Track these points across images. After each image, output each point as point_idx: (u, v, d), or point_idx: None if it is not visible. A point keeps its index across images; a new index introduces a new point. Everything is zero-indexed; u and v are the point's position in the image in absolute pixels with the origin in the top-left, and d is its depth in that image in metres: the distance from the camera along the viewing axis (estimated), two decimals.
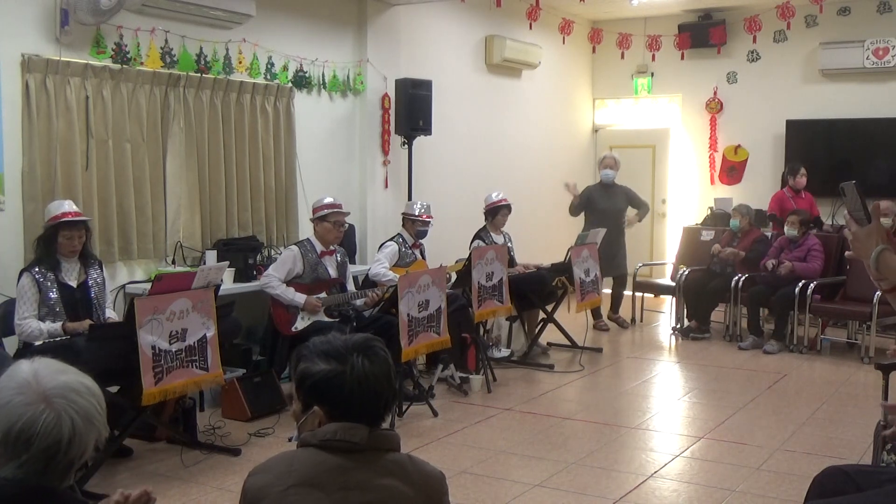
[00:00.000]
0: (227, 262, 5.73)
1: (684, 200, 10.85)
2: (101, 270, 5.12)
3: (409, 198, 7.88)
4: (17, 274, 4.90)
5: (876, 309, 7.10)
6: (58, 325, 4.75)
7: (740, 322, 8.26)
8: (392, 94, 8.00)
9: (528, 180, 9.94)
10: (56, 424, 1.63)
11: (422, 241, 7.00)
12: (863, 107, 9.69)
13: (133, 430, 4.86)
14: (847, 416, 5.82)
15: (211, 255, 6.20)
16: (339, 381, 1.93)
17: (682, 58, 10.34)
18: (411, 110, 7.82)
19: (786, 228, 8.01)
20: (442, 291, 6.00)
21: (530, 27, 9.40)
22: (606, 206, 8.80)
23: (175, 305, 4.66)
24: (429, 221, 6.92)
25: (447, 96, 8.69)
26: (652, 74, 10.99)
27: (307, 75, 7.37)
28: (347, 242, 7.08)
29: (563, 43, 10.21)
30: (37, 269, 4.79)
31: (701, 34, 10.32)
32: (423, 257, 7.03)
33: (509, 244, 7.53)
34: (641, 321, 9.18)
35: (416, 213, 6.89)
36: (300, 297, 5.91)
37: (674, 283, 8.72)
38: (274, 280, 5.92)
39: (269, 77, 7.02)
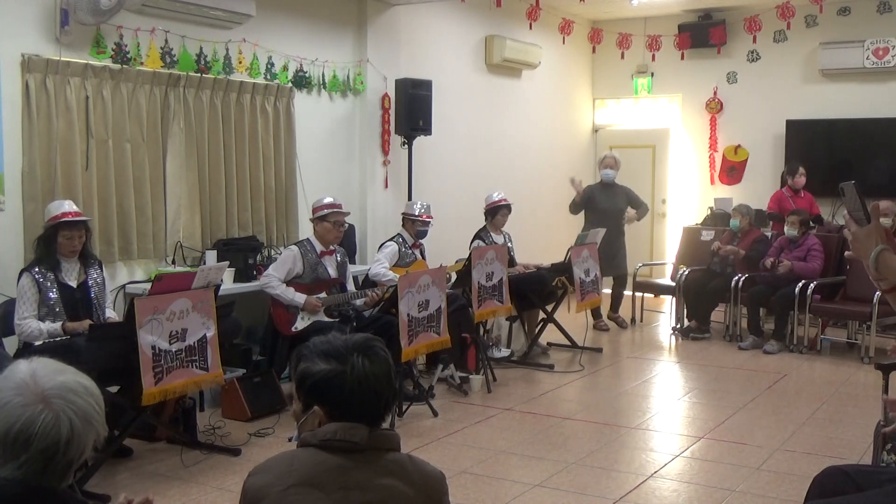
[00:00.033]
0: (227, 262, 5.73)
1: (684, 200, 10.85)
2: (101, 270, 5.12)
3: (409, 198, 7.88)
4: (17, 274, 4.90)
5: (876, 309, 7.10)
6: (58, 325, 4.75)
7: (740, 322, 8.26)
8: (392, 94, 8.00)
9: (528, 180, 9.94)
10: (54, 425, 1.63)
11: (422, 241, 7.00)
12: (863, 107, 9.69)
13: (133, 430, 4.86)
14: (847, 416, 5.82)
15: (211, 255, 6.20)
16: (339, 381, 1.93)
17: (682, 58, 10.34)
18: (411, 110, 7.82)
19: (786, 228, 8.02)
20: (442, 291, 6.00)
21: (530, 27, 9.40)
22: (607, 206, 8.80)
23: (175, 305, 4.66)
24: (429, 221, 6.92)
25: (447, 96, 8.70)
26: (652, 74, 10.99)
27: (307, 75, 7.37)
28: (347, 242, 7.08)
29: (563, 43, 10.21)
30: (37, 269, 4.79)
31: (701, 34, 10.32)
32: (423, 257, 7.03)
33: (509, 244, 7.53)
34: (641, 321, 9.18)
35: (416, 213, 6.89)
36: (300, 297, 5.91)
37: (674, 283, 8.72)
38: (274, 280, 5.92)
39: (269, 77, 7.03)
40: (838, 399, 6.26)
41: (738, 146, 10.52)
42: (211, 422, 5.45)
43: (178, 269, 6.17)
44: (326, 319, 6.00)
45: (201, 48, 6.46)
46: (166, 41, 6.21)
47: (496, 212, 7.49)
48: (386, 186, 8.16)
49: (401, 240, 6.86)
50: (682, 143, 10.91)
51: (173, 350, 4.63)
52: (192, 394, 5.16)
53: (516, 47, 9.55)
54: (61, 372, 1.70)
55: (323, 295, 6.04)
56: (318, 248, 6.12)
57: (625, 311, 9.10)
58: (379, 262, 6.67)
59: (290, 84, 7.21)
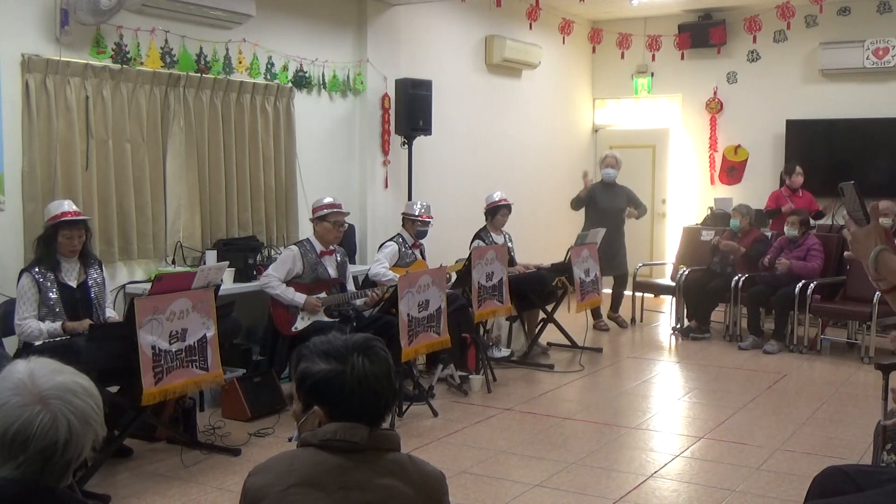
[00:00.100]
0: (227, 262, 5.73)
1: (684, 200, 10.85)
2: (101, 270, 5.12)
3: (409, 198, 7.88)
4: (17, 274, 4.90)
5: (876, 309, 7.10)
6: (57, 324, 4.75)
7: (740, 322, 8.26)
8: (392, 94, 8.00)
9: (528, 180, 9.94)
10: (52, 426, 1.62)
11: (422, 241, 7.00)
12: (863, 107, 9.69)
13: (133, 430, 4.86)
14: (847, 416, 5.82)
15: (211, 255, 6.20)
16: (339, 380, 1.93)
17: (682, 58, 10.34)
18: (411, 110, 7.82)
19: (786, 228, 8.02)
20: (442, 291, 6.00)
21: (530, 27, 9.40)
22: (607, 206, 8.80)
23: (175, 305, 4.66)
24: (429, 221, 6.92)
25: (447, 96, 8.70)
26: (652, 74, 11.00)
27: (307, 75, 7.37)
28: (347, 242, 7.08)
29: (563, 43, 10.21)
30: (37, 270, 4.79)
31: (701, 34, 10.32)
32: (423, 257, 7.03)
33: (509, 244, 7.53)
34: (641, 321, 9.18)
35: (416, 213, 6.89)
36: (300, 297, 5.91)
37: (674, 283, 8.72)
38: (274, 280, 5.92)
39: (269, 77, 7.03)
40: (838, 399, 6.26)
41: (738, 146, 10.52)
42: (211, 422, 5.45)
43: (178, 269, 6.17)
44: (326, 319, 6.00)
45: (201, 48, 6.46)
46: (166, 41, 6.21)
47: (496, 212, 7.49)
48: (386, 186, 8.16)
49: (401, 240, 6.86)
50: (682, 143, 10.91)
51: (173, 350, 4.63)
52: (192, 394, 5.16)
53: (516, 47, 9.55)
54: (59, 372, 1.70)
55: (323, 295, 6.04)
56: (318, 248, 6.12)
57: (625, 311, 9.10)
58: (379, 262, 6.67)
59: (290, 84, 7.21)
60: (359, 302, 6.22)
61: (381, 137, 8.10)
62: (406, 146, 8.05)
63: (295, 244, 6.22)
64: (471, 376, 6.50)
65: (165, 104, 6.24)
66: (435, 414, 5.80)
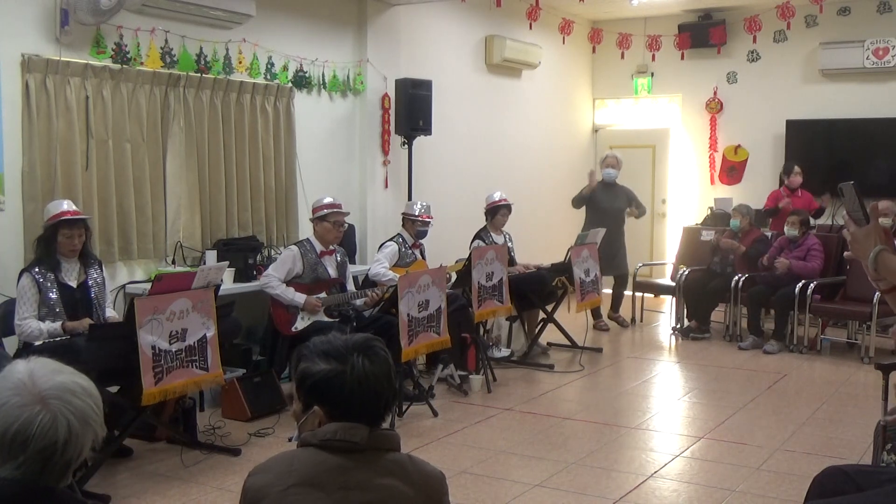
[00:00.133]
0: (227, 262, 5.73)
1: (684, 200, 10.85)
2: (101, 270, 5.12)
3: (409, 198, 7.89)
4: (17, 274, 4.90)
5: (876, 309, 7.10)
6: (57, 324, 4.75)
7: (740, 322, 8.26)
8: (392, 94, 8.00)
9: (528, 180, 9.94)
10: (52, 426, 1.62)
11: (422, 241, 7.00)
12: (863, 107, 9.69)
13: (133, 430, 4.86)
14: (847, 416, 5.82)
15: (211, 255, 6.20)
16: (339, 380, 1.93)
17: (682, 58, 10.34)
18: (411, 110, 7.82)
19: (786, 228, 8.02)
20: (442, 291, 6.00)
21: (530, 27, 9.40)
22: (608, 206, 8.80)
23: (175, 305, 4.66)
24: (429, 221, 6.92)
25: (447, 96, 8.70)
26: (652, 74, 11.00)
27: (307, 75, 7.37)
28: (347, 242, 7.08)
29: (563, 43, 10.21)
30: (37, 270, 4.79)
31: (701, 34, 10.32)
32: (423, 257, 7.03)
33: (509, 244, 7.53)
34: (641, 321, 9.18)
35: (416, 214, 6.89)
36: (300, 297, 5.91)
37: (674, 283, 8.72)
38: (274, 280, 5.92)
39: (269, 77, 7.03)
40: (838, 399, 6.26)
41: (738, 146, 10.52)
42: (211, 422, 5.45)
43: (178, 269, 6.17)
44: (326, 319, 6.01)
45: (201, 48, 6.46)
46: (166, 41, 6.21)
47: (496, 212, 7.49)
48: (386, 186, 8.16)
49: (401, 240, 6.86)
50: (682, 143, 10.91)
51: (173, 350, 4.63)
52: (192, 394, 5.16)
53: (516, 47, 9.55)
54: (59, 372, 1.70)
55: (323, 295, 6.04)
56: (318, 248, 6.12)
57: (625, 311, 9.10)
58: (379, 262, 6.67)
59: (290, 84, 7.21)
60: (359, 302, 6.22)
61: (381, 137, 8.10)
62: (406, 146, 8.05)
63: (295, 244, 6.22)
64: (471, 376, 6.50)
65: (165, 104, 6.24)
66: (435, 414, 5.80)
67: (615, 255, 8.78)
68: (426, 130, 7.97)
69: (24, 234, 5.42)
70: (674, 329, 8.62)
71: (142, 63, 6.06)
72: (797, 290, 7.58)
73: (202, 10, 6.24)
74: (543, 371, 7.10)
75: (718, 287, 8.22)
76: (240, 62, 6.77)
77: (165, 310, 4.60)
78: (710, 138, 10.67)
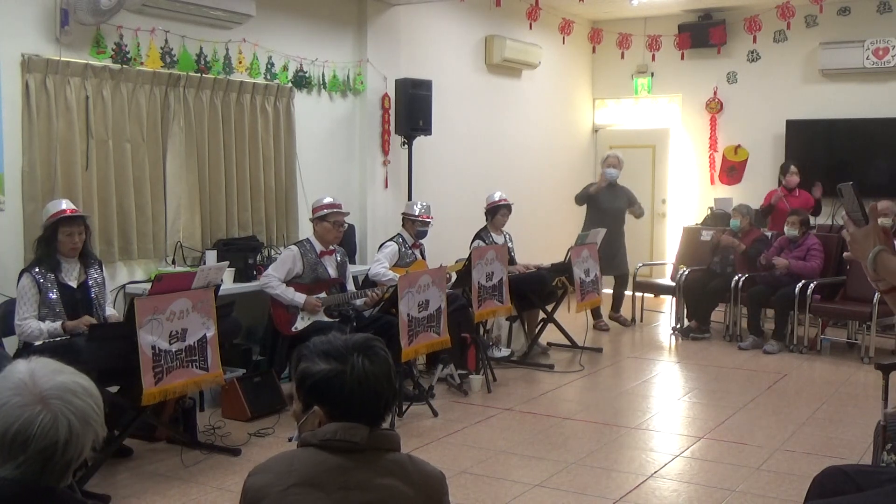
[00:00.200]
0: (227, 262, 5.73)
1: (684, 200, 10.85)
2: (101, 270, 5.12)
3: (409, 198, 7.89)
4: (16, 274, 4.90)
5: (876, 309, 7.10)
6: (58, 324, 4.75)
7: (740, 322, 8.26)
8: (392, 94, 8.00)
9: (528, 180, 9.94)
10: (53, 426, 1.62)
11: (422, 241, 7.00)
12: (863, 107, 9.69)
13: (133, 430, 4.86)
14: (847, 416, 5.82)
15: (211, 255, 6.20)
16: (339, 380, 1.93)
17: (682, 58, 10.34)
18: (411, 110, 7.82)
19: (786, 228, 8.02)
20: (442, 291, 6.00)
21: (530, 27, 9.40)
22: (608, 205, 8.81)
23: (175, 305, 4.66)
24: (429, 222, 6.92)
25: (447, 96, 8.70)
26: (652, 74, 11.00)
27: (307, 75, 7.37)
28: (347, 242, 7.08)
29: (563, 43, 10.21)
30: (37, 270, 4.79)
31: (701, 34, 10.32)
32: (423, 257, 7.03)
33: (510, 244, 7.53)
34: (641, 321, 9.18)
35: (416, 214, 6.89)
36: (300, 297, 5.91)
37: (674, 283, 8.72)
38: (273, 280, 5.92)
39: (269, 77, 7.03)
40: (838, 399, 6.26)
41: (738, 146, 10.52)
42: (211, 422, 5.45)
43: (178, 269, 6.17)
44: (326, 319, 6.01)
45: (201, 48, 6.46)
46: (166, 41, 6.21)
47: (496, 212, 7.49)
48: (386, 186, 8.16)
49: (401, 240, 6.86)
50: (682, 143, 10.91)
51: (173, 350, 4.63)
52: (192, 394, 5.16)
53: (516, 47, 9.55)
54: (60, 372, 1.70)
55: (323, 295, 6.04)
56: (318, 248, 6.12)
57: (625, 312, 9.10)
58: (379, 262, 6.67)
59: (290, 84, 7.21)
60: (359, 302, 6.22)
61: (381, 137, 8.10)
62: (406, 146, 8.05)
63: (295, 244, 6.22)
64: (471, 376, 6.50)
65: (165, 104, 6.24)
66: (435, 414, 5.80)
67: (615, 255, 8.78)
68: (426, 130, 7.97)
69: (24, 234, 5.42)
70: (674, 329, 8.62)
71: (142, 63, 6.07)
72: (797, 290, 7.58)
73: (202, 10, 6.24)
74: (543, 371, 7.10)
75: (718, 287, 8.23)
76: (240, 62, 6.77)
77: (165, 310, 4.60)
78: (710, 138, 10.67)
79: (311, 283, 6.02)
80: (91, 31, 5.75)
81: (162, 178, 6.26)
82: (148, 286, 5.10)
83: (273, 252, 6.83)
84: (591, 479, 4.64)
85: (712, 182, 10.69)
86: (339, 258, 6.25)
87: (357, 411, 1.94)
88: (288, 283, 5.95)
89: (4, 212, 5.38)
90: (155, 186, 6.21)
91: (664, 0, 9.87)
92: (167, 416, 5.15)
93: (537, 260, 7.87)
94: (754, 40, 9.88)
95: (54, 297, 4.79)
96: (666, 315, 9.39)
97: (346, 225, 6.45)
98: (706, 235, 9.01)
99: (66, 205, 4.94)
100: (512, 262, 7.35)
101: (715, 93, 10.59)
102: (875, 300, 7.03)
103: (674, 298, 8.76)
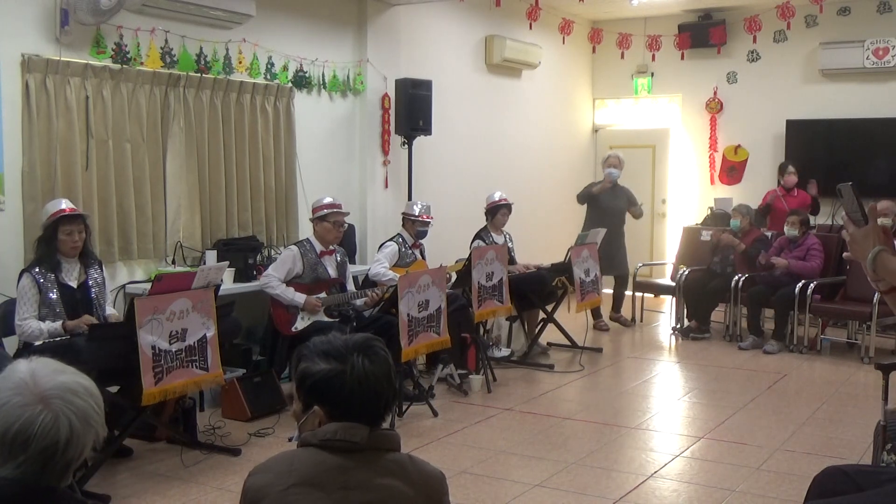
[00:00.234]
0: (227, 262, 5.73)
1: (684, 200, 10.86)
2: (101, 270, 5.12)
3: (409, 198, 7.89)
4: (16, 274, 4.90)
5: (876, 309, 7.10)
6: (58, 324, 4.75)
7: (740, 322, 8.26)
8: (392, 94, 8.00)
9: (528, 180, 9.94)
10: (53, 425, 1.62)
11: (422, 241, 7.00)
12: (863, 107, 9.69)
13: (133, 430, 4.86)
14: (847, 416, 5.82)
15: (211, 255, 6.20)
16: (339, 380, 1.93)
17: (682, 58, 10.34)
18: (411, 110, 7.82)
19: (786, 228, 8.02)
20: (442, 291, 6.01)
21: (530, 27, 9.40)
22: (609, 205, 8.80)
23: (175, 305, 4.66)
24: (429, 222, 6.92)
25: (447, 96, 8.70)
26: (652, 74, 11.00)
27: (307, 75, 7.37)
28: (347, 242, 7.09)
29: (563, 43, 10.21)
30: (37, 270, 4.79)
31: (701, 34, 10.32)
32: (423, 257, 7.03)
33: (510, 244, 7.53)
34: (641, 321, 9.18)
35: (416, 214, 6.89)
36: (300, 297, 5.91)
37: (674, 283, 8.72)
38: (273, 280, 5.92)
39: (269, 77, 7.03)
40: (838, 399, 6.26)
41: (738, 146, 10.52)
42: (211, 422, 5.45)
43: (178, 269, 6.17)
44: (326, 319, 6.01)
45: (201, 48, 6.46)
46: (166, 41, 6.21)
47: (496, 211, 7.49)
48: (386, 186, 8.16)
49: (401, 240, 6.86)
50: (682, 143, 10.91)
51: (173, 350, 4.63)
52: (192, 394, 5.16)
53: (516, 47, 9.55)
54: (61, 372, 1.70)
55: (323, 295, 6.04)
56: (318, 248, 6.12)
57: (625, 312, 9.10)
58: (379, 262, 6.67)
59: (290, 84, 7.21)
60: (359, 302, 6.22)
61: (381, 137, 8.10)
62: (406, 146, 8.05)
63: (295, 244, 6.22)
64: (471, 376, 6.50)
65: (165, 104, 6.24)
66: (435, 414, 5.80)
67: (615, 255, 8.78)
68: (426, 130, 7.97)
69: (24, 234, 5.42)
70: (674, 329, 8.62)
71: (142, 63, 6.07)
72: (797, 290, 7.58)
73: (202, 10, 6.25)
74: (543, 371, 7.10)
75: (718, 287, 8.23)
76: (240, 62, 6.77)
77: (165, 310, 4.60)
78: (710, 138, 10.67)
79: (311, 283, 6.02)
80: (91, 31, 5.75)
81: (162, 178, 6.26)
82: (148, 286, 5.10)
83: (273, 252, 6.83)
84: (591, 479, 4.64)
85: (712, 182, 10.69)
86: (339, 258, 6.25)
87: (357, 411, 1.94)
88: (288, 283, 5.95)
89: (4, 212, 5.38)
90: (155, 186, 6.21)
91: (664, 0, 9.87)
92: (167, 416, 5.15)
93: (537, 260, 7.87)
94: (754, 40, 9.88)
95: (54, 297, 4.79)
96: (666, 315, 9.39)
97: (346, 225, 6.45)
98: (706, 235, 9.01)
99: (65, 204, 4.95)
100: (512, 262, 7.35)
101: (715, 93, 10.59)
102: (875, 300, 7.03)
103: (674, 298, 8.76)
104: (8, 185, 5.38)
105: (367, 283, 6.73)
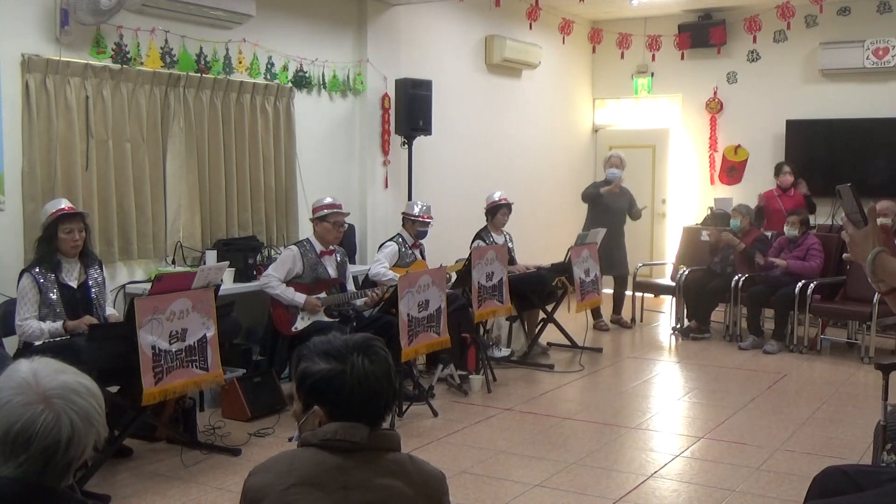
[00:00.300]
0: (227, 262, 5.73)
1: (684, 200, 10.86)
2: (102, 270, 5.12)
3: (409, 198, 7.89)
4: (16, 274, 4.90)
5: (876, 309, 7.10)
6: (58, 324, 4.75)
7: (740, 322, 8.26)
8: (392, 94, 8.00)
9: (528, 180, 9.94)
10: (55, 425, 1.63)
11: (422, 241, 7.00)
12: (863, 107, 9.70)
13: (133, 430, 4.86)
14: (847, 416, 5.82)
15: (211, 255, 6.20)
16: (339, 380, 1.93)
17: (682, 58, 10.35)
18: (411, 110, 7.82)
19: (786, 228, 8.02)
20: (442, 291, 6.01)
21: (530, 27, 9.40)
22: (610, 206, 8.80)
23: (175, 305, 4.66)
24: (429, 222, 6.92)
25: (447, 96, 8.70)
26: (652, 74, 11.00)
27: (307, 75, 7.37)
28: (347, 242, 7.09)
29: (563, 43, 10.21)
30: (37, 270, 4.79)
31: (701, 34, 10.32)
32: (423, 257, 7.03)
33: (510, 244, 7.53)
34: (641, 321, 9.18)
35: (416, 214, 6.89)
36: (300, 297, 5.91)
37: (674, 283, 8.72)
38: (273, 280, 5.92)
39: (269, 77, 7.03)
40: (838, 399, 6.26)
41: (738, 146, 10.52)
42: (211, 422, 5.45)
43: (178, 269, 6.17)
44: (326, 319, 6.01)
45: (201, 48, 6.46)
46: (166, 41, 6.21)
47: (496, 211, 7.49)
48: (386, 186, 8.16)
49: (401, 240, 6.86)
50: (682, 143, 10.91)
51: (173, 350, 4.63)
52: (192, 394, 5.16)
53: (516, 47, 9.55)
54: (62, 372, 1.70)
55: (323, 295, 6.04)
56: (318, 248, 6.12)
57: (625, 312, 9.09)
58: (379, 262, 6.67)
59: (290, 84, 7.21)
60: (359, 302, 6.22)
61: (381, 137, 8.10)
62: (406, 146, 8.05)
63: (295, 244, 6.22)
64: (471, 376, 6.50)
65: (165, 104, 6.24)
66: (435, 414, 5.80)
67: (615, 255, 8.78)
68: (426, 130, 7.97)
69: (24, 234, 5.42)
70: (674, 329, 8.62)
71: (142, 63, 6.07)
72: (797, 290, 7.58)
73: (202, 10, 6.25)
74: (543, 371, 7.10)
75: (718, 287, 8.23)
76: (240, 62, 6.77)
77: (165, 310, 4.61)
78: (710, 138, 10.68)
79: (311, 283, 6.02)
80: (91, 31, 5.75)
81: (162, 178, 6.27)
82: (148, 286, 5.10)
83: (273, 252, 6.83)
84: (591, 479, 4.64)
85: (712, 182, 10.69)
86: (339, 258, 6.25)
87: (357, 411, 1.94)
88: (288, 283, 5.95)
89: (4, 212, 5.38)
90: (155, 186, 6.21)
91: (664, 0, 9.87)
92: (167, 416, 5.15)
93: (537, 260, 7.87)
94: (754, 40, 9.88)
95: (54, 297, 4.79)
96: (666, 315, 9.39)
97: (346, 225, 6.45)
98: (706, 235, 9.01)
99: (65, 204, 4.95)
100: (512, 262, 7.35)
101: (715, 93, 10.59)
102: (875, 300, 7.03)
103: (674, 298, 8.76)
104: (8, 185, 5.38)
105: (367, 283, 6.73)
